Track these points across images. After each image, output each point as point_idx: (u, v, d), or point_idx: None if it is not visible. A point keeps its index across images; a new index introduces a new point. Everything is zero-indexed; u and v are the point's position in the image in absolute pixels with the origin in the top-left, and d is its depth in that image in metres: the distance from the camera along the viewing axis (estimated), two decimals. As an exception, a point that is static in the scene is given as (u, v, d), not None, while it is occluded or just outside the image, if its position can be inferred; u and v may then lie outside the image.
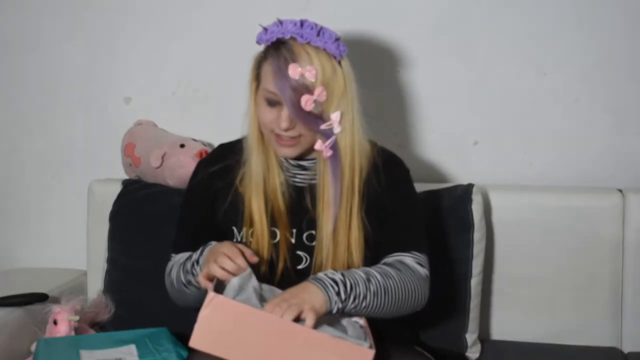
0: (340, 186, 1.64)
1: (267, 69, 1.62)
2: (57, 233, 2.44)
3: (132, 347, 1.77)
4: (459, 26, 2.19)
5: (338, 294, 1.51)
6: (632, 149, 2.16)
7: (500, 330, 2.09)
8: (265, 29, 1.64)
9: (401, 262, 1.64)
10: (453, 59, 2.19)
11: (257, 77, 1.66)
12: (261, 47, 1.67)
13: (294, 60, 1.58)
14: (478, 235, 1.99)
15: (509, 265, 2.07)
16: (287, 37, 1.61)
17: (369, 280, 1.56)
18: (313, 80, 1.58)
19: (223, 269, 1.53)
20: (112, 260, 2.13)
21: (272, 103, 1.63)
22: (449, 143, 2.22)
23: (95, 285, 2.18)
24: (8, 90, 2.44)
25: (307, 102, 1.58)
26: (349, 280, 1.54)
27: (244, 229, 1.70)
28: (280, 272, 1.67)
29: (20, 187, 2.46)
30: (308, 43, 1.60)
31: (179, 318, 1.63)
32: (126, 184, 2.20)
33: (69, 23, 2.37)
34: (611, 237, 2.02)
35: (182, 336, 1.60)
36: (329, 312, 1.51)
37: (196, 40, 2.31)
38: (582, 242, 2.03)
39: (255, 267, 1.63)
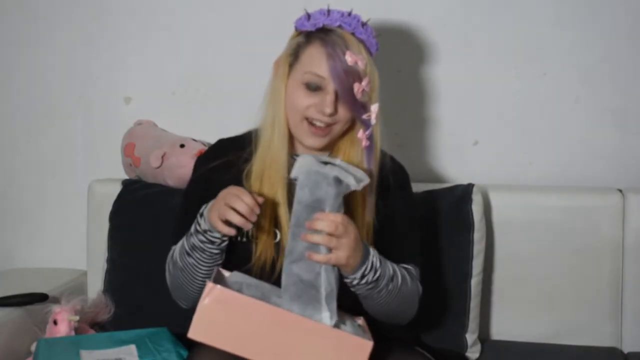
0: (373, 177, 1.64)
1: (313, 53, 1.61)
2: (57, 233, 2.44)
3: (132, 347, 1.76)
4: (459, 26, 2.18)
5: (363, 276, 1.52)
6: (632, 149, 2.16)
7: (500, 330, 2.09)
8: (309, 15, 1.64)
9: (412, 273, 1.65)
10: (453, 59, 2.19)
11: (291, 63, 1.64)
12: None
13: (347, 47, 1.59)
14: (478, 235, 1.99)
15: (509, 265, 2.07)
16: (335, 24, 1.62)
17: (392, 279, 1.57)
18: (363, 68, 1.59)
19: (235, 210, 1.49)
20: (112, 260, 2.13)
21: (314, 88, 1.61)
22: (449, 143, 2.22)
23: (95, 285, 2.18)
24: (8, 89, 2.43)
25: (359, 89, 1.59)
26: (380, 272, 1.54)
27: None
28: (279, 271, 1.66)
29: (20, 187, 2.46)
30: (353, 34, 1.61)
31: (179, 318, 1.63)
32: (126, 184, 2.19)
33: (68, 23, 2.36)
34: (611, 237, 2.02)
35: (182, 336, 1.59)
36: (340, 278, 1.51)
37: (196, 40, 2.31)
38: (582, 242, 2.03)
39: (257, 267, 1.63)
